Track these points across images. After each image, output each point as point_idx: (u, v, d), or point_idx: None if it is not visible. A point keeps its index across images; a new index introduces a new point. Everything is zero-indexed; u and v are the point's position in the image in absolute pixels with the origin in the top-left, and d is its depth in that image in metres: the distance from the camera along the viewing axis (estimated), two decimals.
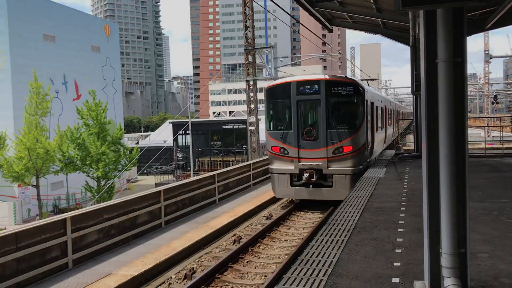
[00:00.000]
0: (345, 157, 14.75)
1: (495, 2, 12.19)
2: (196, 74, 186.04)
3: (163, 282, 9.43)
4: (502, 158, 20.36)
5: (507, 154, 21.32)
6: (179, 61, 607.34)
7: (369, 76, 69.12)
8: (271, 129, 15.70)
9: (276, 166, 15.49)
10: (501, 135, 26.12)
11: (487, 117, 57.74)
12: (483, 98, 68.17)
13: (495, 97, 63.54)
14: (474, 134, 38.75)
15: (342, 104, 15.41)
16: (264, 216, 15.15)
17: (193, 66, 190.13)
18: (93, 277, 9.28)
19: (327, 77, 15.31)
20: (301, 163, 14.88)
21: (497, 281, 5.86)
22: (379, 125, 18.97)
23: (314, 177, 14.61)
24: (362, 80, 23.04)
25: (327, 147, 14.68)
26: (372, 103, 16.74)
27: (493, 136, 38.37)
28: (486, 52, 48.28)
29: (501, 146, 23.24)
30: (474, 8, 13.55)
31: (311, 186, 14.80)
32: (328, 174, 14.77)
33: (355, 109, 15.21)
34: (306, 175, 14.59)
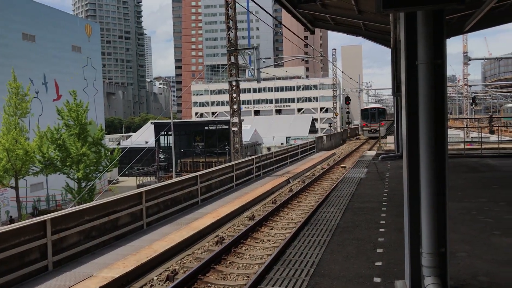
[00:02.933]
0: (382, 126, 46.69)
1: (473, 5, 12.41)
2: (178, 75, 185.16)
3: (145, 284, 9.36)
4: (481, 158, 20.71)
5: (485, 155, 21.69)
6: (162, 62, 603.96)
7: (351, 78, 71.51)
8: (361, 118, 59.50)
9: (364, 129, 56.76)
10: (480, 136, 26.53)
11: (466, 118, 58.65)
12: (462, 100, 69.21)
13: (473, 98, 64.61)
14: (454, 135, 39.31)
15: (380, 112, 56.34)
16: (247, 217, 15.16)
17: (176, 67, 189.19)
18: (73, 279, 9.17)
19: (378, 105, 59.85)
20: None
21: (476, 280, 5.96)
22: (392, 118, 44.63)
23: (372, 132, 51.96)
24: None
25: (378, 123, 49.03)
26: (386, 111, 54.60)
27: (472, 137, 38.98)
28: (465, 54, 49.08)
29: (479, 146, 23.62)
30: (453, 11, 13.77)
31: (370, 132, 53.62)
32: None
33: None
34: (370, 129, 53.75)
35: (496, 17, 15.68)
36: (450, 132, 38.90)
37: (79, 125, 35.17)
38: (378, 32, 20.17)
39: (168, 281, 9.36)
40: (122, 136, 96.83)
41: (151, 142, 56.07)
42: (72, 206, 18.66)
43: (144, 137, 60.08)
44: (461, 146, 26.30)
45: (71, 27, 57.87)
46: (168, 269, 10.09)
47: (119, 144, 67.09)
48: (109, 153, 37.75)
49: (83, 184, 35.53)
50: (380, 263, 6.84)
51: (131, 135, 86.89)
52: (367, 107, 64.98)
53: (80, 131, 35.20)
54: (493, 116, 57.43)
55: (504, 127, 49.70)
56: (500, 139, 25.12)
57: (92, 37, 62.48)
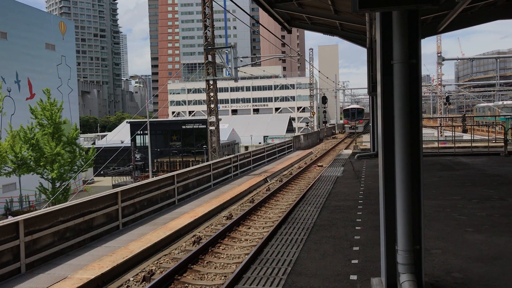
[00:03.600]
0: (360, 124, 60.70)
1: (447, 6, 12.64)
2: (154, 73, 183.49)
3: (121, 285, 9.25)
4: (454, 157, 21.11)
5: (458, 153, 22.12)
6: (138, 60, 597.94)
7: (328, 77, 72.86)
8: (344, 117, 70.41)
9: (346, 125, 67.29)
10: (453, 134, 27.03)
11: (440, 117, 59.72)
12: (436, 99, 70.44)
13: (447, 98, 65.85)
14: (428, 133, 40.00)
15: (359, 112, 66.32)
16: (224, 216, 15.13)
17: (152, 65, 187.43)
18: (47, 281, 9.00)
19: (357, 106, 73.27)
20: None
21: (450, 276, 6.06)
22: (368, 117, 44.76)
23: (352, 128, 60.18)
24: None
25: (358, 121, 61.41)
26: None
27: (445, 136, 39.69)
28: (439, 54, 49.98)
29: (453, 145, 24.07)
30: (428, 12, 13.99)
31: (351, 128, 61.90)
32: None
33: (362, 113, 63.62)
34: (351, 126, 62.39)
35: (469, 18, 16.00)
36: (425, 131, 39.57)
37: (53, 124, 34.55)
38: (354, 32, 20.36)
39: (144, 282, 9.28)
40: (97, 135, 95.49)
41: (127, 141, 55.47)
42: (46, 207, 18.33)
43: (120, 136, 59.43)
44: (435, 144, 26.76)
45: (45, 25, 56.73)
46: (144, 269, 10.00)
47: (94, 143, 66.12)
48: (84, 152, 37.20)
49: (58, 184, 34.93)
50: (356, 261, 6.90)
51: (106, 135, 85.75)
52: (348, 107, 74.91)
53: (54, 131, 34.58)
54: (466, 115, 58.57)
55: (477, 126, 50.78)
56: (472, 138, 25.65)
57: (66, 35, 61.38)
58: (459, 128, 45.50)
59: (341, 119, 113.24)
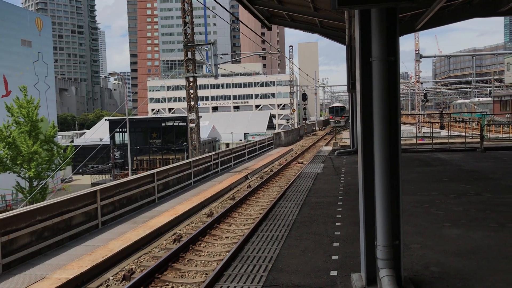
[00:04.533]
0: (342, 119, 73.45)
1: (424, 4, 12.80)
2: (134, 70, 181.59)
3: (101, 284, 9.16)
4: (432, 153, 21.42)
5: (436, 149, 22.45)
6: (118, 57, 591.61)
7: (307, 74, 73.35)
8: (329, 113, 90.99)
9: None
10: (431, 131, 27.42)
11: (418, 114, 60.50)
12: (414, 96, 71.36)
13: (425, 95, 66.79)
14: (406, 130, 40.51)
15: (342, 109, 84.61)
16: (205, 214, 15.08)
17: (131, 62, 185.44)
18: (25, 282, 8.86)
19: (340, 104, 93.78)
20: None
21: (428, 270, 6.16)
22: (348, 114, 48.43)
23: (336, 122, 66.32)
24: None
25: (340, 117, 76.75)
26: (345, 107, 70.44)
27: (423, 132, 40.24)
28: (417, 52, 50.59)
29: (431, 141, 24.41)
30: (406, 9, 14.15)
31: (335, 122, 66.17)
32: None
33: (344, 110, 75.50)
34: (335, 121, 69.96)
35: (446, 16, 16.23)
36: (403, 127, 40.04)
37: (30, 122, 33.98)
38: (334, 29, 20.47)
39: (124, 281, 9.20)
40: (76, 133, 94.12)
41: (106, 139, 54.83)
42: (23, 206, 18.01)
43: (99, 134, 58.62)
44: (414, 141, 27.10)
45: (20, 21, 55.70)
46: (124, 268, 9.92)
47: (72, 141, 65.26)
48: (62, 150, 36.68)
49: (35, 183, 34.40)
50: (336, 257, 6.96)
51: (85, 132, 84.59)
52: (333, 105, 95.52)
53: (31, 128, 34.02)
54: (444, 112, 59.46)
55: (454, 122, 51.61)
56: (450, 134, 26.04)
57: (43, 31, 60.38)
58: (437, 124, 46.17)
59: (321, 115, 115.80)
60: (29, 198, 31.42)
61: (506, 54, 65.42)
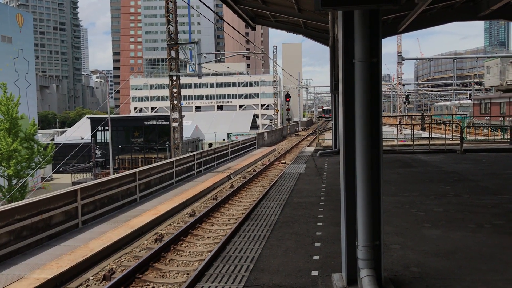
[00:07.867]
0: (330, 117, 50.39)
1: (407, 7, 12.94)
2: (116, 68, 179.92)
3: (80, 284, 9.06)
4: (413, 154, 21.65)
5: (417, 151, 22.70)
6: (101, 55, 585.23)
7: (291, 75, 73.48)
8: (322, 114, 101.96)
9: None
10: (412, 132, 27.69)
11: (399, 116, 61.11)
12: (396, 98, 72.15)
13: (407, 97, 67.46)
14: (388, 131, 40.84)
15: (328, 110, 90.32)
16: (187, 213, 15.02)
17: (114, 60, 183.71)
18: (2, 282, 8.70)
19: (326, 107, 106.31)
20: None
21: (408, 270, 6.22)
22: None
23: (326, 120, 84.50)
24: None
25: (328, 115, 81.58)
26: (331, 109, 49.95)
27: (405, 134, 40.65)
28: (399, 54, 51.10)
29: (412, 143, 24.65)
30: (389, 12, 14.28)
31: (326, 120, 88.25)
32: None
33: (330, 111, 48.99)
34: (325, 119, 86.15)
35: (428, 19, 16.44)
36: (385, 129, 40.43)
37: (9, 120, 33.50)
38: (318, 30, 20.56)
39: (105, 281, 9.12)
40: (57, 131, 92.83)
41: (87, 137, 54.21)
42: (1, 205, 17.72)
43: (80, 132, 58.00)
44: (395, 142, 27.35)
45: (1, 17, 54.79)
46: (105, 268, 9.82)
47: (53, 139, 64.34)
48: (42, 149, 36.21)
49: (14, 182, 33.88)
50: (318, 257, 6.98)
51: (66, 131, 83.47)
52: (326, 108, 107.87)
53: (11, 126, 33.54)
54: (425, 114, 60.17)
55: (435, 124, 52.25)
56: (430, 136, 26.34)
57: (24, 27, 59.46)
58: (418, 126, 46.68)
59: (304, 116, 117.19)
60: (7, 196, 30.92)
61: (486, 58, 66.46)
